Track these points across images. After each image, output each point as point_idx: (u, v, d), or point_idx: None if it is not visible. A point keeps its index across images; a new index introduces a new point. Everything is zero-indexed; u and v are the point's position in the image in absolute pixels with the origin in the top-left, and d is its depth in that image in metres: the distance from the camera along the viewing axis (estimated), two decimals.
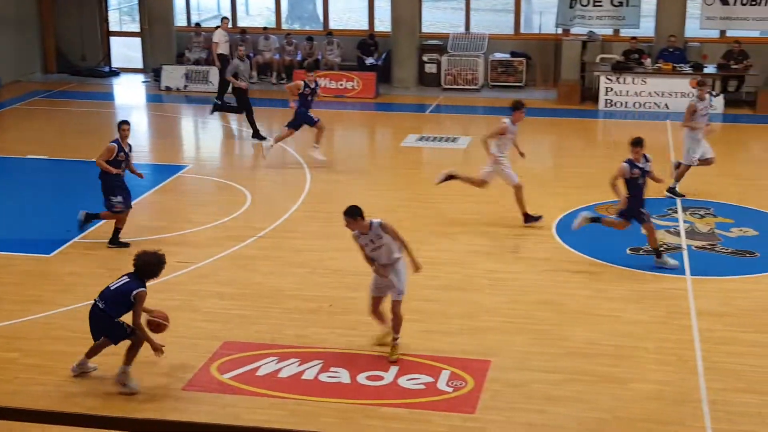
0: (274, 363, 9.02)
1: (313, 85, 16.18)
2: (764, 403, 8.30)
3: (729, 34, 22.04)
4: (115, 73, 24.96)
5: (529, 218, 12.97)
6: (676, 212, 13.53)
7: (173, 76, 23.16)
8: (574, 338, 9.58)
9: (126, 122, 12.20)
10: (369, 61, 23.27)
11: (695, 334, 9.69)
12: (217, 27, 22.04)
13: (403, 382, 8.69)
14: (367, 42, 23.59)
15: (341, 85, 22.53)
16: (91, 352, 8.59)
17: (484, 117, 19.66)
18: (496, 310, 10.31)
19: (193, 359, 8.94)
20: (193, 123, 21.56)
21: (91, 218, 12.24)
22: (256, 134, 17.85)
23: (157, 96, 22.77)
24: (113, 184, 11.95)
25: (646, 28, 22.55)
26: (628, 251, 12.06)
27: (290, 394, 8.50)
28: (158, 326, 8.50)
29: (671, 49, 21.27)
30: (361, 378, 8.76)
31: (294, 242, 12.53)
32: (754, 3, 21.44)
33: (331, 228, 12.84)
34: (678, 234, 12.69)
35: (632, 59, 21.21)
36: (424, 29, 24.31)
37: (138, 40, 25.35)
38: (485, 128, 18.59)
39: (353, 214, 8.76)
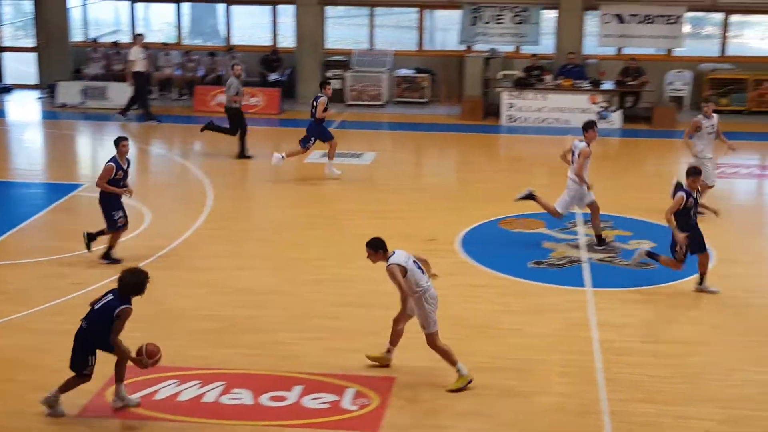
0: (174, 386, 8.82)
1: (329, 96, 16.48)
2: (662, 413, 8.50)
3: (625, 51, 22.73)
4: (7, 89, 24.22)
5: (601, 241, 12.85)
6: (576, 226, 13.81)
7: (69, 92, 22.60)
8: (479, 353, 9.65)
9: (125, 138, 11.95)
10: (273, 77, 23.17)
11: (596, 345, 9.89)
12: (133, 44, 21.56)
13: (307, 402, 8.60)
14: (271, 58, 23.49)
15: (244, 101, 22.32)
16: (64, 387, 8.27)
17: (389, 133, 19.84)
18: None
19: (88, 384, 8.66)
20: (89, 140, 21.05)
21: (93, 237, 12.00)
22: (243, 154, 17.72)
23: (53, 113, 22.17)
24: (113, 201, 11.83)
25: (547, 45, 23.10)
26: (530, 265, 12.25)
27: (190, 417, 8.31)
28: (153, 354, 8.21)
29: (571, 66, 21.81)
30: (264, 399, 8.63)
31: (196, 261, 12.31)
32: (649, 21, 22.19)
33: (234, 246, 12.69)
34: (578, 247, 12.95)
35: (533, 75, 21.67)
36: (329, 45, 24.34)
37: (33, 56, 24.66)
38: (390, 144, 18.81)
39: (375, 247, 8.82)
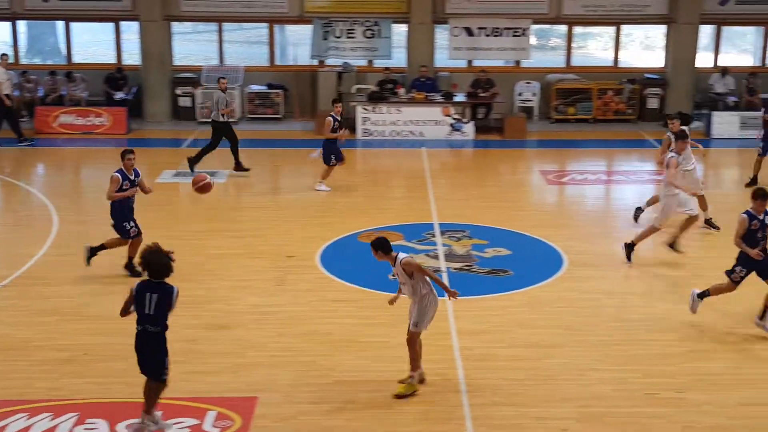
0: (24, 420, 8.53)
1: (339, 118, 16.76)
2: (522, 414, 8.84)
3: (476, 63, 23.48)
4: None
5: (673, 245, 13.13)
6: (434, 236, 14.16)
7: None
8: (342, 367, 9.76)
9: (131, 151, 12.12)
10: (118, 95, 22.70)
11: (456, 353, 10.17)
12: None
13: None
14: (116, 76, 23.00)
15: (89, 121, 21.83)
16: (149, 403, 8.23)
17: (243, 150, 19.63)
18: (262, 345, 10.32)
19: None
20: None
21: (96, 251, 12.29)
22: (240, 167, 17.93)
23: None
24: (124, 211, 12.07)
25: (399, 58, 23.59)
26: (390, 277, 12.42)
27: None
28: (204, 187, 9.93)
29: (423, 79, 22.34)
30: (121, 428, 8.46)
31: (42, 289, 11.93)
32: (497, 34, 23.01)
33: (83, 272, 12.35)
34: (437, 258, 13.28)
35: (387, 89, 22.07)
36: (177, 62, 24.06)
37: None
38: (244, 161, 18.69)
39: (378, 247, 9.03)
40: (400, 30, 23.73)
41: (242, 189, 17.57)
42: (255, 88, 23.21)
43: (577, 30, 24.24)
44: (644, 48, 26.07)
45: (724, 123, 21.73)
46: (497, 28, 23.05)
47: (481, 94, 22.18)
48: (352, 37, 23.19)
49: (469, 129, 21.34)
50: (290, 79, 23.60)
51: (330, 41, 23.14)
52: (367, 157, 20.61)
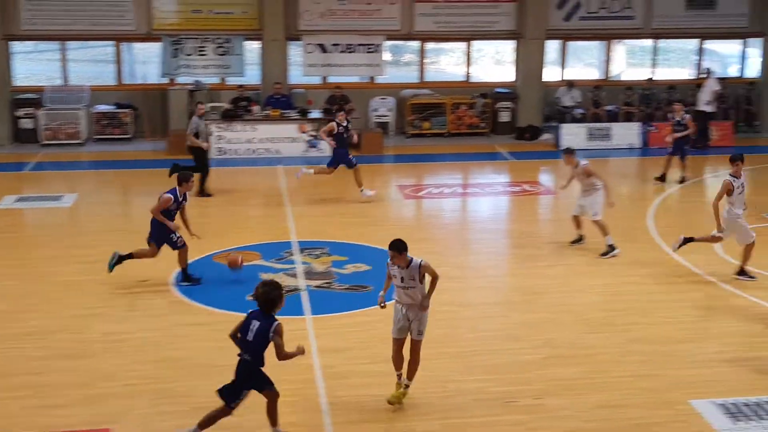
0: None
1: (345, 124, 17.33)
2: (385, 430, 8.87)
3: (331, 79, 23.59)
4: None
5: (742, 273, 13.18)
6: (292, 254, 14.09)
7: None
8: (198, 393, 9.53)
9: (191, 175, 12.90)
10: None
11: (317, 371, 10.13)
12: None
13: None
14: None
15: None
16: (206, 422, 8.34)
17: (91, 172, 19.16)
18: (115, 375, 9.98)
19: None
20: None
21: (123, 259, 12.64)
22: (203, 193, 17.75)
23: None
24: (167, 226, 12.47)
25: (252, 75, 23.43)
26: (248, 298, 12.28)
27: None
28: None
29: (278, 96, 22.27)
30: None
31: None
32: (350, 51, 23.20)
33: None
34: (296, 276, 13.21)
35: (241, 107, 21.88)
36: (18, 82, 23.14)
37: None
38: (93, 184, 18.13)
39: (400, 248, 9.06)
40: (252, 47, 23.60)
41: (91, 213, 17.03)
42: (102, 108, 22.58)
43: (430, 46, 24.72)
44: (495, 63, 26.82)
45: (572, 135, 22.58)
46: (351, 45, 23.25)
47: (337, 110, 22.26)
48: (204, 55, 22.90)
49: (325, 145, 21.36)
50: (139, 98, 23.07)
51: (180, 59, 22.78)
52: (222, 176, 20.28)
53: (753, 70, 25.25)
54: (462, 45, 24.66)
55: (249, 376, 8.38)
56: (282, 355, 8.32)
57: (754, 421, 9.12)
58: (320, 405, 9.35)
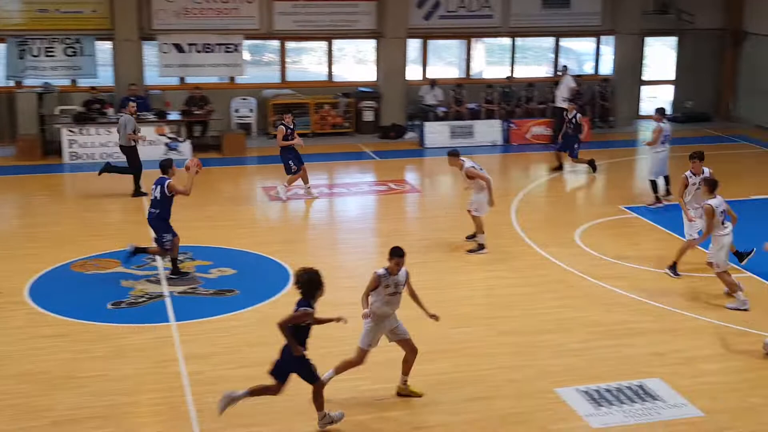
0: None
1: (292, 126, 17.76)
2: None
3: (189, 80, 23.28)
4: None
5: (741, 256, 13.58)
6: (154, 260, 13.86)
7: None
8: (59, 406, 9.32)
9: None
10: None
11: (185, 379, 10.02)
12: None
13: None
14: None
15: None
16: (258, 392, 8.96)
17: None
18: None
19: None
20: None
21: (139, 251, 13.20)
22: (139, 192, 17.75)
23: None
24: (168, 222, 13.07)
25: (106, 77, 22.87)
26: (109, 306, 12.06)
27: None
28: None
29: (133, 98, 21.78)
30: None
31: None
32: (208, 50, 22.97)
33: None
34: (159, 282, 13.01)
35: (94, 109, 21.33)
36: None
37: None
38: None
39: (403, 254, 9.35)
40: (104, 47, 23.04)
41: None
42: None
43: (291, 45, 24.71)
44: (357, 62, 27.05)
45: (435, 133, 23.03)
46: (209, 44, 23.01)
47: (196, 112, 22.03)
48: (52, 56, 22.21)
49: (185, 148, 21.10)
50: None
51: (27, 60, 22.02)
52: (77, 182, 19.78)
53: (606, 67, 26.36)
54: (323, 44, 24.77)
55: (290, 363, 8.83)
56: (282, 325, 8.69)
57: (616, 405, 9.58)
58: (188, 413, 9.28)
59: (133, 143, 17.97)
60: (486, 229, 14.86)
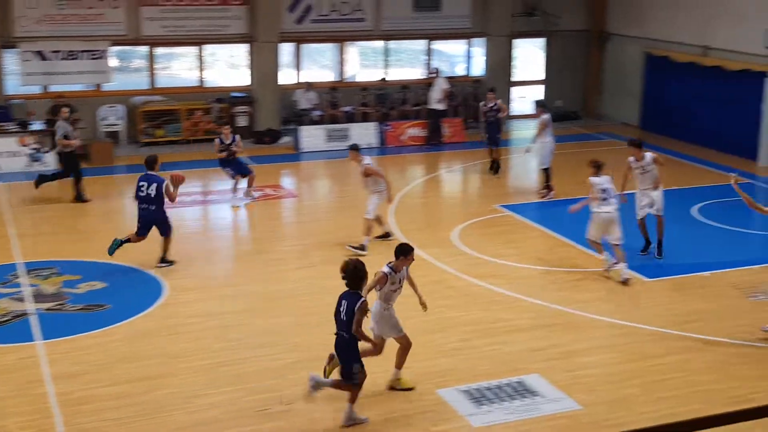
0: None
1: (228, 141, 17.60)
2: None
3: (53, 88, 22.41)
4: None
5: None
6: (18, 277, 13.22)
7: None
8: None
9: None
10: None
11: (53, 400, 9.56)
12: None
13: None
14: None
15: None
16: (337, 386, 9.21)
17: None
18: None
19: None
20: None
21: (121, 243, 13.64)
22: (80, 198, 17.64)
23: None
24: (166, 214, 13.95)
25: None
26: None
27: None
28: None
29: None
30: None
31: None
32: (73, 57, 22.16)
33: None
34: (23, 300, 12.40)
35: None
36: None
37: None
38: None
39: (412, 249, 9.90)
40: None
41: None
42: None
43: (160, 51, 24.09)
44: (230, 67, 26.58)
45: (311, 137, 22.86)
46: (73, 52, 22.22)
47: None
48: None
49: (50, 158, 20.28)
50: None
51: None
52: None
53: (478, 68, 26.70)
54: (194, 49, 24.24)
55: (348, 352, 9.02)
56: (355, 330, 8.90)
57: (497, 403, 9.61)
58: None
59: (66, 149, 17.58)
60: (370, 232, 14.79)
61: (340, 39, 25.30)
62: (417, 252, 14.55)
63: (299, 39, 24.74)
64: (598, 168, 13.56)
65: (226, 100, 23.67)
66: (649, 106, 25.33)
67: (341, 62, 25.65)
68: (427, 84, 24.72)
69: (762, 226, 16.75)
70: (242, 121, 23.71)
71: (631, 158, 14.46)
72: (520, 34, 26.68)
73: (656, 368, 10.51)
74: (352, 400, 9.13)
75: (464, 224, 16.33)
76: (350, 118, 24.29)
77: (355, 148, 15.00)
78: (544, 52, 27.40)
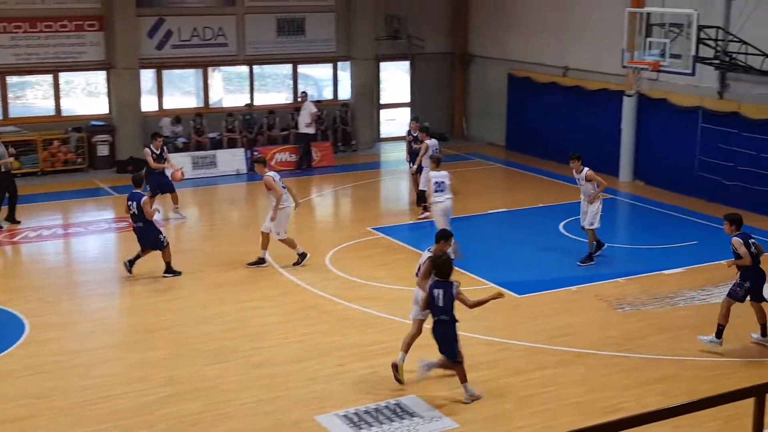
0: None
1: (158, 151, 18.15)
2: None
3: None
4: None
5: None
6: None
7: None
8: None
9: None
10: None
11: None
12: None
13: None
14: None
15: None
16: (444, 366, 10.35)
17: None
18: None
19: None
20: None
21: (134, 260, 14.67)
22: (12, 219, 17.86)
23: None
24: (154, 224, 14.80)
25: None
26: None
27: None
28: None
29: None
30: None
31: None
32: None
33: None
34: None
35: None
36: None
37: None
38: None
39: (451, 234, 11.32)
40: None
41: None
42: None
43: (12, 80, 23.35)
44: (88, 95, 25.96)
45: (177, 164, 22.49)
46: None
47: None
48: None
49: None
50: None
51: None
52: None
53: (345, 92, 26.94)
54: (48, 77, 23.60)
55: (447, 333, 10.14)
56: (473, 304, 10.28)
57: (375, 426, 9.66)
58: None
59: (2, 169, 17.55)
60: (236, 259, 14.67)
61: (203, 64, 25.12)
62: (290, 278, 14.69)
63: (160, 65, 24.43)
64: (438, 162, 15.92)
65: (85, 129, 23.13)
66: (513, 126, 26.09)
67: (205, 88, 25.44)
68: (295, 108, 24.79)
69: (626, 240, 17.49)
70: (103, 150, 23.23)
71: (574, 172, 15.46)
72: (386, 57, 27.11)
73: (530, 383, 10.79)
74: (463, 378, 10.17)
75: (337, 248, 16.41)
76: (216, 144, 24.09)
77: (259, 161, 15.90)
78: (410, 74, 27.88)
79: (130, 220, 14.80)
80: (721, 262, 14.33)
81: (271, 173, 15.16)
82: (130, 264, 14.72)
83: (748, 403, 5.35)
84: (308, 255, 15.21)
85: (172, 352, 11.68)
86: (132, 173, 22.64)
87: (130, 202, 14.52)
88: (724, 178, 19.29)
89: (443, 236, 11.09)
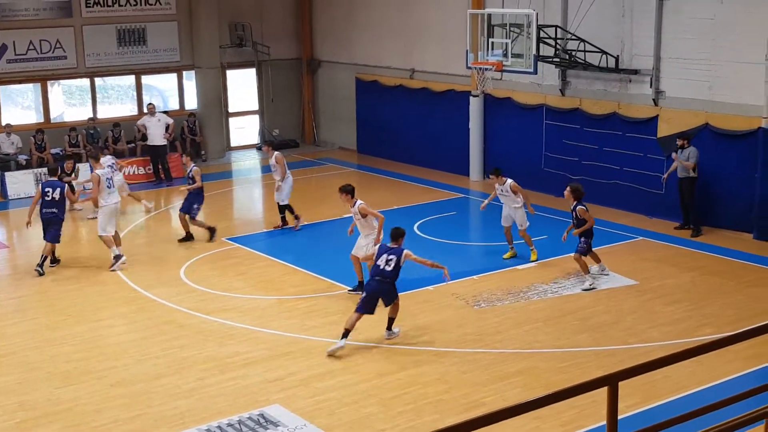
0: None
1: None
2: None
3: None
4: None
5: None
6: None
7: None
8: None
9: None
10: None
11: None
12: None
13: None
14: None
15: None
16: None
17: None
18: None
19: None
20: None
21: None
22: None
23: None
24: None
25: None
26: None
27: None
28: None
29: None
30: None
31: None
32: None
33: None
34: None
35: None
36: None
37: None
38: None
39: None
40: None
41: None
42: None
43: None
44: None
45: (19, 182, 21.80)
46: None
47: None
48: None
49: None
50: None
51: None
52: None
53: (191, 101, 26.56)
54: None
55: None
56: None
57: None
58: None
59: None
60: (86, 277, 14.27)
61: (42, 78, 24.31)
62: (144, 294, 14.40)
63: None
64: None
65: None
66: (364, 130, 26.35)
67: (45, 102, 24.61)
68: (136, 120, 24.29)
69: (476, 238, 17.95)
70: None
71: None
72: (232, 66, 26.92)
73: (392, 384, 10.94)
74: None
75: (192, 260, 16.20)
76: (60, 159, 23.31)
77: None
78: (257, 82, 27.75)
79: (41, 207, 15.57)
80: (570, 254, 14.93)
81: (101, 171, 16.20)
82: (41, 266, 15.46)
83: (603, 392, 5.59)
84: (123, 257, 15.80)
85: (22, 377, 11.28)
86: None
87: (49, 189, 15.58)
88: (569, 172, 20.02)
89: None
